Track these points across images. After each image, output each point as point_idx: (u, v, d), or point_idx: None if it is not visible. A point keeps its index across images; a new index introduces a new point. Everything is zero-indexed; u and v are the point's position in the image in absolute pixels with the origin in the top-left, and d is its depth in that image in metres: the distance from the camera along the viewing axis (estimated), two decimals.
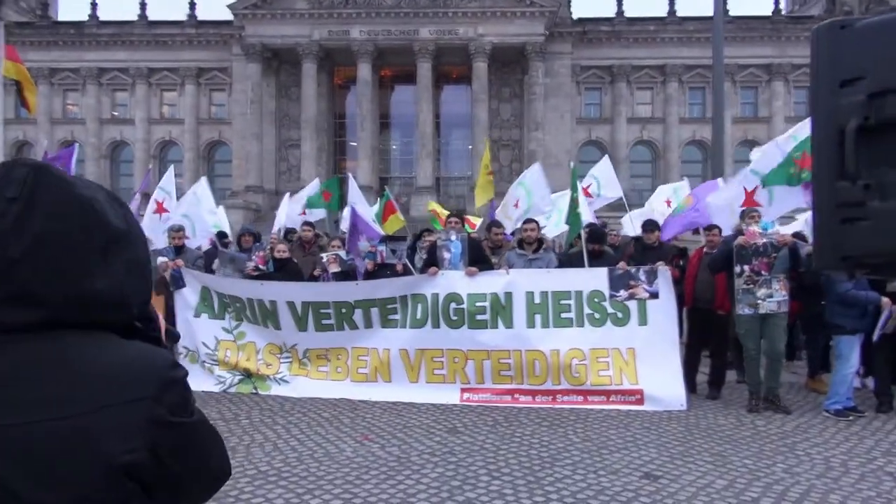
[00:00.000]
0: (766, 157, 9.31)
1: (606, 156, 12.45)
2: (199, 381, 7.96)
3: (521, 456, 5.54)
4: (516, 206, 11.79)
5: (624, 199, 12.20)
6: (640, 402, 7.30)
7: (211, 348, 8.04)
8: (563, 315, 7.68)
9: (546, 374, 7.58)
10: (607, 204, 13.31)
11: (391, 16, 39.17)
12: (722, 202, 9.50)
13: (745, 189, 9.11)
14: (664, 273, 7.60)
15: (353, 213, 9.11)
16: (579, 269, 7.98)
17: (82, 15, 44.51)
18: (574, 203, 9.02)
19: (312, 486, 4.84)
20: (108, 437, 0.98)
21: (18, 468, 0.96)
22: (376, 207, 12.71)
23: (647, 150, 43.08)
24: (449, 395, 7.55)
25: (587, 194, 11.18)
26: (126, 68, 43.47)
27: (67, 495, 0.97)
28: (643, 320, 7.59)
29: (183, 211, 9.40)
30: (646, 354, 7.51)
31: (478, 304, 7.68)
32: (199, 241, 9.30)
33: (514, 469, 5.22)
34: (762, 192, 8.92)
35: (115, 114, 44.60)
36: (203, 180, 12.67)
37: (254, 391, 7.84)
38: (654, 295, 7.60)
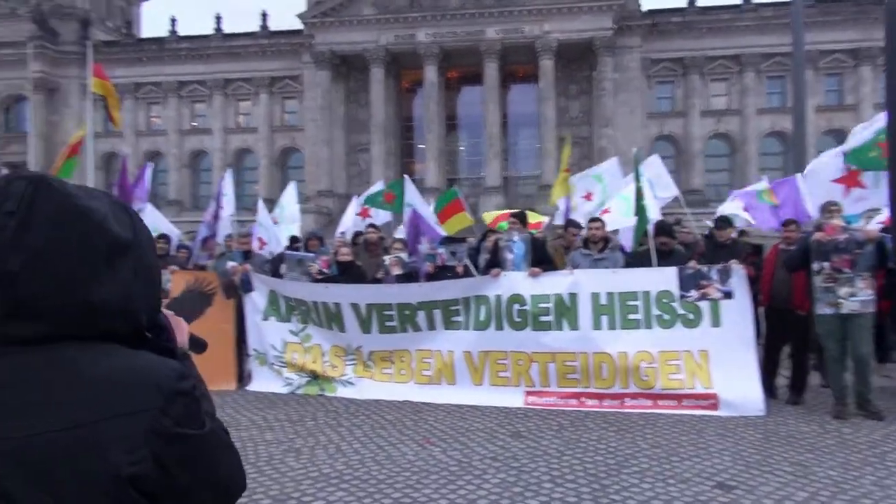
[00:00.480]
0: (853, 137, 8.91)
1: (655, 155, 11.77)
2: (268, 383, 8.17)
3: (586, 462, 5.38)
4: (588, 198, 11.50)
5: (681, 199, 11.57)
6: (715, 406, 6.98)
7: (279, 350, 8.21)
8: (631, 316, 7.45)
9: (614, 377, 7.37)
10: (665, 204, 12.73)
11: (456, 17, 39.26)
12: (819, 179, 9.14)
13: (847, 168, 8.73)
14: (738, 271, 7.25)
15: (414, 215, 9.10)
16: (647, 268, 7.71)
17: (163, 31, 46.67)
18: (639, 194, 8.63)
19: (373, 490, 4.83)
20: (111, 449, 0.97)
21: (21, 480, 0.96)
22: (432, 206, 12.72)
23: (723, 143, 41.55)
24: (513, 398, 7.44)
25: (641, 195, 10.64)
26: (204, 80, 45.28)
27: None
28: (716, 321, 7.28)
29: (259, 219, 9.66)
30: (720, 357, 7.19)
31: (541, 305, 7.54)
32: (272, 247, 9.52)
33: (578, 476, 5.07)
34: (868, 174, 8.46)
35: (195, 124, 46.52)
36: (291, 185, 13.12)
37: (320, 393, 7.95)
38: (728, 295, 7.26)
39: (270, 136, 44.93)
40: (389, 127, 41.76)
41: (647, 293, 7.41)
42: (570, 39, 38.60)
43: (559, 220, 11.89)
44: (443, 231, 9.27)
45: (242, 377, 8.45)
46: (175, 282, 8.27)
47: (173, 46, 45.54)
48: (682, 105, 41.06)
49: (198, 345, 1.42)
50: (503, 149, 41.29)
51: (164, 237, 9.20)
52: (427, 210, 9.63)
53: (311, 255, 8.61)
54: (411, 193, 9.86)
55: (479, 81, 40.21)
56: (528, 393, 7.51)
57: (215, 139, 45.19)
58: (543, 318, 7.53)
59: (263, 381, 8.23)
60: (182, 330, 1.32)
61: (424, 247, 9.09)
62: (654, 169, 10.61)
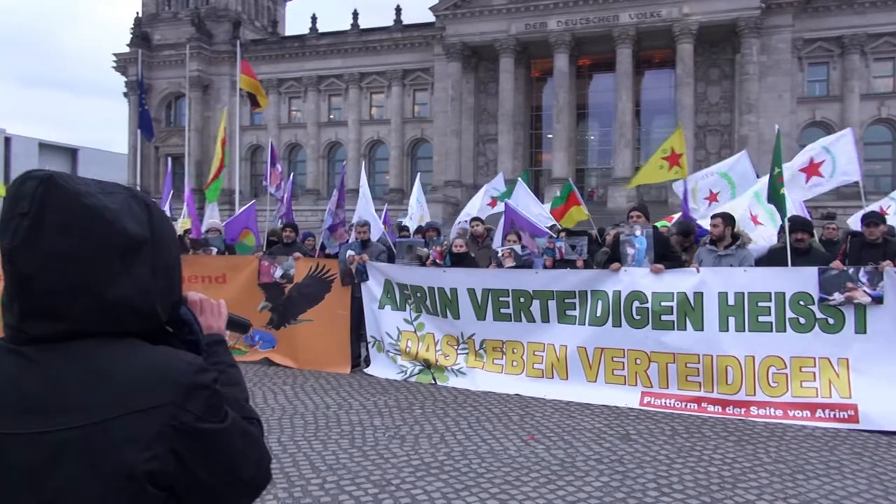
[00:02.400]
0: None
1: (850, 129, 10.02)
2: (384, 370, 8.38)
3: (698, 472, 5.05)
4: (713, 199, 10.75)
5: (861, 187, 10.09)
6: (854, 419, 6.34)
7: (394, 338, 8.39)
8: (762, 319, 6.91)
9: (739, 382, 6.88)
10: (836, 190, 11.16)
11: (588, 3, 38.17)
12: None
13: None
14: (891, 274, 6.51)
15: (508, 210, 8.92)
16: (782, 268, 7.10)
17: (305, 29, 49.15)
18: (776, 181, 7.66)
19: (471, 483, 4.81)
20: (129, 445, 0.98)
21: (42, 476, 0.97)
22: (548, 203, 12.45)
23: (886, 129, 37.56)
24: (628, 398, 7.14)
25: (817, 173, 9.05)
26: (341, 74, 47.23)
27: None
28: (861, 328, 6.59)
29: (364, 209, 9.92)
30: (863, 366, 6.51)
31: (664, 303, 7.17)
32: (374, 237, 9.77)
33: (688, 486, 4.77)
34: None
35: (332, 117, 48.70)
36: (417, 180, 13.48)
37: (432, 382, 8.04)
38: (878, 300, 6.54)
39: (401, 128, 46.09)
40: (517, 117, 41.48)
41: (781, 294, 6.84)
42: (712, 21, 36.35)
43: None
44: (545, 228, 9.03)
45: (358, 361, 8.71)
46: (298, 268, 8.67)
47: (313, 43, 47.80)
48: (839, 88, 37.50)
49: (240, 325, 1.45)
50: (635, 138, 39.75)
51: (291, 226, 9.66)
52: (532, 204, 9.39)
53: (420, 240, 8.70)
54: (517, 189, 9.68)
55: (611, 69, 38.91)
56: (645, 393, 7.18)
57: (350, 131, 47.04)
58: (665, 317, 7.16)
59: (380, 367, 8.45)
60: (217, 314, 1.33)
61: (543, 241, 8.94)
62: (844, 147, 8.95)
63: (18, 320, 1.02)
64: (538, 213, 9.83)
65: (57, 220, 1.00)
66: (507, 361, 7.82)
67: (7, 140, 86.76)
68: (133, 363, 1.02)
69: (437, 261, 8.21)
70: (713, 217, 7.85)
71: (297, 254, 8.83)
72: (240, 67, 29.63)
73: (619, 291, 7.31)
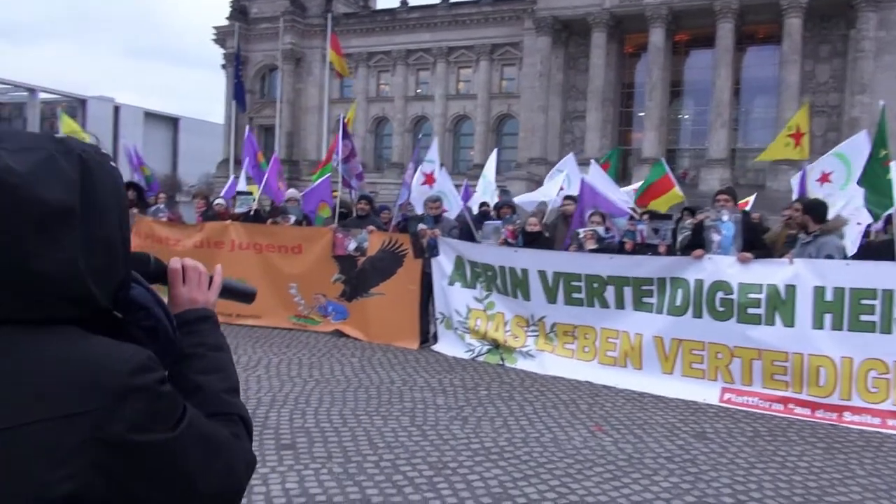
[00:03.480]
0: None
1: None
2: (452, 347, 8.26)
3: (779, 480, 4.65)
4: (825, 179, 9.95)
5: None
6: None
7: (463, 316, 8.24)
8: (864, 317, 6.31)
9: (833, 384, 6.33)
10: None
11: None
12: None
13: None
14: None
15: (585, 189, 8.50)
16: (890, 262, 6.45)
17: (396, 3, 49.24)
18: (880, 164, 6.95)
19: (530, 473, 4.61)
20: (41, 460, 0.80)
21: None
22: (636, 184, 11.86)
23: None
24: (707, 393, 6.72)
25: None
26: (429, 48, 47.16)
27: None
28: None
29: (440, 185, 9.78)
30: None
31: (751, 295, 6.67)
32: (453, 213, 9.60)
33: (766, 494, 4.40)
34: None
35: (419, 91, 48.81)
36: (492, 155, 13.12)
37: (500, 362, 7.85)
38: None
39: (488, 103, 45.65)
40: (607, 94, 40.21)
41: (889, 292, 6.21)
42: None
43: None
44: (626, 208, 8.58)
45: (426, 337, 8.63)
46: (372, 241, 8.64)
47: (403, 16, 47.89)
48: None
49: (241, 294, 1.28)
50: (732, 118, 37.75)
51: (365, 198, 9.64)
52: (608, 184, 8.93)
53: (502, 222, 8.49)
54: (592, 169, 9.23)
55: (709, 44, 36.96)
56: (726, 390, 6.74)
57: (436, 105, 47.02)
58: (752, 311, 6.66)
59: (447, 345, 8.34)
60: (203, 284, 1.15)
61: (623, 222, 8.54)
62: None
63: None
64: (616, 198, 9.34)
65: None
66: (579, 347, 7.53)
67: (116, 109, 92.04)
68: (56, 359, 0.85)
69: (510, 240, 7.97)
70: (794, 202, 7.24)
71: (371, 227, 8.80)
72: (329, 41, 30.07)
73: (702, 280, 6.86)
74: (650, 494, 4.35)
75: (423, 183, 9.78)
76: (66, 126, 11.74)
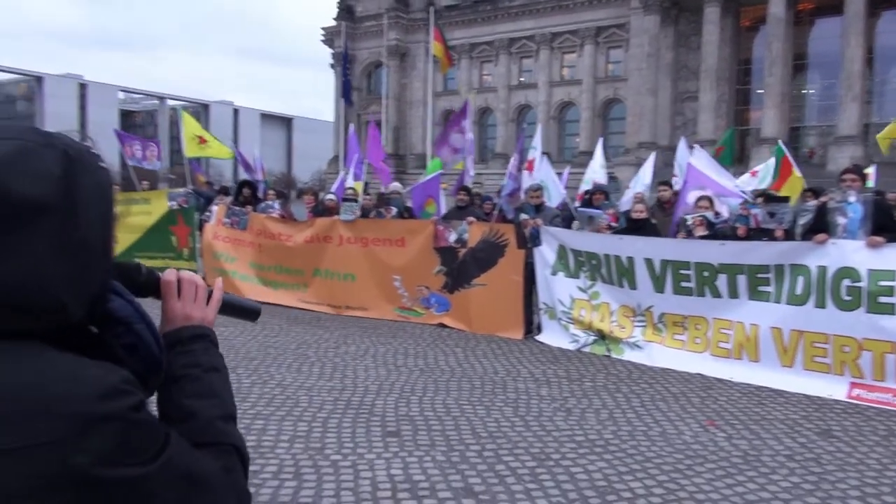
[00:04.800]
0: None
1: None
2: (556, 337, 8.16)
3: None
4: None
5: None
6: None
7: (566, 306, 8.11)
8: None
9: None
10: None
11: None
12: None
13: None
14: None
15: (692, 172, 8.05)
16: None
17: None
18: None
19: (637, 468, 4.48)
20: None
21: None
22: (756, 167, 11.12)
23: None
24: (833, 389, 6.25)
25: None
26: (532, 35, 46.62)
27: None
28: None
29: (542, 174, 9.60)
30: None
31: (882, 283, 6.14)
32: (553, 203, 9.43)
33: None
34: None
35: (522, 79, 48.40)
36: (599, 143, 12.80)
37: (606, 353, 7.67)
38: None
39: (593, 88, 44.58)
40: (722, 72, 38.12)
41: None
42: None
43: None
44: (738, 191, 8.08)
45: (531, 328, 8.57)
46: (472, 233, 8.66)
47: (506, 5, 47.55)
48: None
49: (245, 312, 1.17)
50: (865, 90, 34.73)
51: (464, 189, 9.67)
52: (716, 169, 8.44)
53: (599, 211, 8.26)
54: (697, 154, 8.74)
55: (837, 11, 34.17)
56: (855, 385, 6.24)
57: (540, 93, 46.45)
58: (884, 299, 6.13)
59: (551, 335, 8.24)
60: (200, 300, 1.05)
61: (734, 203, 8.10)
62: None
63: None
64: (725, 181, 8.81)
65: None
66: (690, 338, 7.21)
67: (235, 112, 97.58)
68: (11, 379, 0.74)
69: (612, 223, 7.74)
70: None
71: (471, 218, 8.82)
72: (432, 34, 30.39)
73: (825, 267, 6.38)
74: (767, 494, 4.11)
75: (525, 169, 9.66)
76: (189, 127, 12.51)
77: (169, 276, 1.05)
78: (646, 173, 11.23)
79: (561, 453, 4.70)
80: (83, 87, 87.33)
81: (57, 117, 71.48)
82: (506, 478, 4.26)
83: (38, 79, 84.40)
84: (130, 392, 0.79)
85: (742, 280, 6.86)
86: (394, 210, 9.82)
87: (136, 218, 11.87)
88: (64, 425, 0.72)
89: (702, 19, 37.47)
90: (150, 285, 1.04)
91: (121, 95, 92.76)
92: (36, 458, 0.71)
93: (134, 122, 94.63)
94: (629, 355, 7.50)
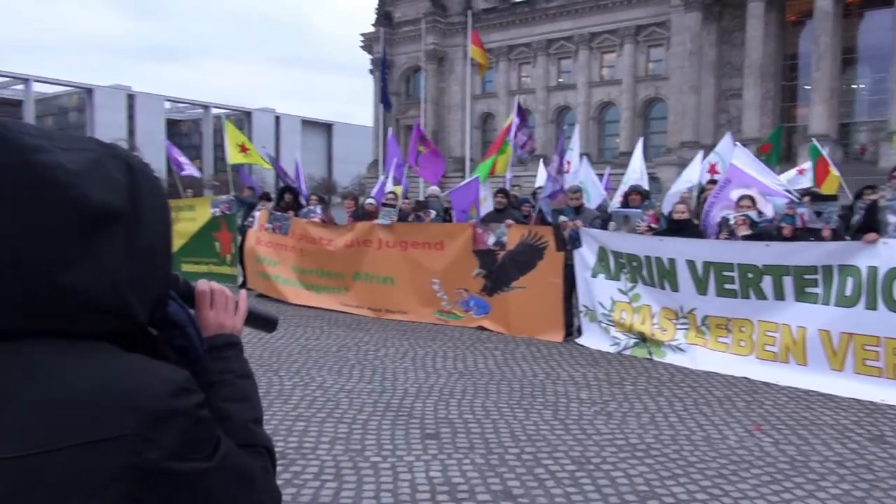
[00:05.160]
0: None
1: None
2: (596, 340, 8.07)
3: None
4: None
5: None
6: None
7: (607, 309, 8.02)
8: None
9: None
10: None
11: None
12: None
13: None
14: None
15: (734, 171, 7.86)
16: None
17: None
18: None
19: (679, 472, 4.41)
20: (69, 490, 0.74)
21: None
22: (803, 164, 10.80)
23: None
24: (885, 393, 6.04)
25: None
26: (570, 36, 46.32)
27: None
28: None
29: (582, 176, 9.53)
30: None
31: None
32: (592, 204, 9.33)
33: None
34: None
35: (560, 80, 48.10)
36: (639, 143, 12.60)
37: (648, 356, 7.56)
38: None
39: (633, 88, 44.05)
40: (767, 68, 37.27)
41: None
42: None
43: None
44: (783, 191, 7.87)
45: (571, 331, 8.50)
46: (511, 235, 8.64)
47: (543, 6, 47.36)
48: None
49: (265, 322, 1.21)
50: None
51: (503, 191, 9.64)
52: (759, 167, 8.25)
53: (637, 210, 8.16)
54: (737, 153, 8.54)
55: (887, 3, 33.07)
56: None
57: (579, 94, 46.10)
58: None
59: (592, 338, 8.16)
60: (231, 309, 1.09)
61: (781, 204, 7.91)
62: None
63: None
64: (769, 180, 8.58)
65: None
66: (734, 340, 7.06)
67: (277, 119, 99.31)
68: (89, 377, 0.78)
69: (652, 224, 7.63)
70: None
71: (509, 220, 8.80)
72: (470, 37, 30.43)
73: (876, 268, 6.17)
74: (816, 501, 4.00)
75: (565, 171, 9.59)
76: (231, 135, 12.80)
77: (203, 286, 1.08)
78: (692, 172, 10.99)
79: (601, 457, 4.66)
80: (131, 97, 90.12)
81: (107, 127, 73.91)
82: (545, 481, 4.24)
83: (89, 90, 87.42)
84: (195, 390, 0.84)
85: (788, 281, 6.69)
86: (432, 213, 9.85)
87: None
88: (139, 420, 0.77)
89: (745, 14, 36.71)
90: (185, 294, 1.08)
91: (167, 105, 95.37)
92: (113, 450, 0.76)
93: (180, 131, 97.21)
94: (671, 358, 7.38)
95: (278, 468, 3.62)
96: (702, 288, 7.26)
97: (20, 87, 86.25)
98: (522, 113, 10.47)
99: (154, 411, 0.78)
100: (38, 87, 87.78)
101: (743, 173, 7.82)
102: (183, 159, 13.85)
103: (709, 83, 39.48)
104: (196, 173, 13.80)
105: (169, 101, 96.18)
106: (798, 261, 6.64)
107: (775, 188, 8.14)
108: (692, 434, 5.14)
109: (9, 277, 0.77)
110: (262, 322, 1.20)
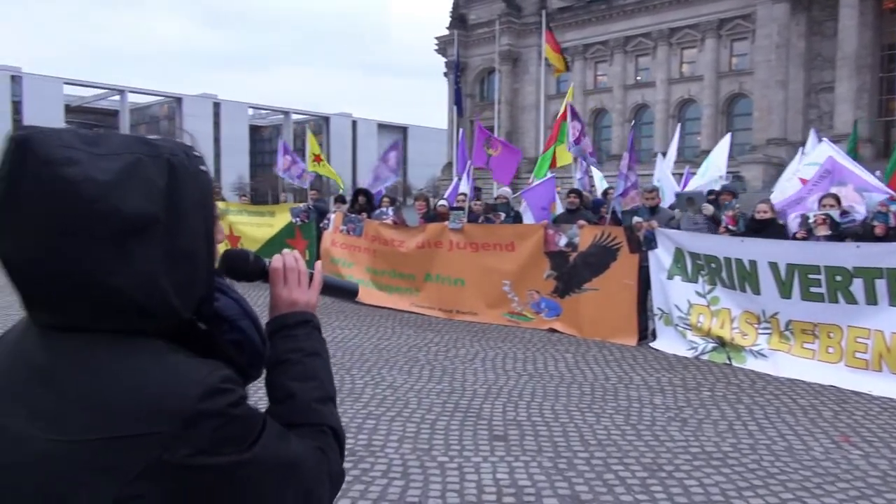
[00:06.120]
0: None
1: None
2: (672, 344, 7.83)
3: None
4: None
5: None
6: None
7: (684, 312, 7.76)
8: None
9: None
10: None
11: None
12: None
13: None
14: None
15: (832, 163, 7.42)
16: None
17: None
18: None
19: (758, 483, 4.21)
20: (104, 478, 0.79)
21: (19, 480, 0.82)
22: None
23: None
24: None
25: None
26: (649, 33, 45.23)
27: None
28: None
29: (658, 175, 9.26)
30: None
31: None
32: (665, 203, 9.04)
33: None
34: None
35: (638, 78, 47.03)
36: (726, 138, 12.12)
37: (727, 362, 7.26)
38: None
39: (715, 83, 42.56)
40: (862, 59, 35.24)
41: None
42: None
43: None
44: (883, 187, 7.39)
45: (645, 334, 8.28)
46: (583, 236, 8.49)
47: (620, 3, 46.46)
48: None
49: (343, 291, 1.24)
50: None
51: (575, 191, 9.49)
52: (851, 162, 7.77)
53: (699, 192, 7.87)
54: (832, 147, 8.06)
55: None
56: None
57: (657, 91, 44.95)
58: None
59: (667, 342, 7.92)
60: (304, 284, 1.11)
61: (874, 202, 7.46)
62: None
63: (24, 305, 0.88)
64: (866, 176, 8.07)
65: (28, 196, 0.81)
66: (822, 347, 6.69)
67: (353, 123, 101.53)
68: (130, 376, 0.83)
69: (730, 226, 7.32)
70: None
71: (582, 221, 8.65)
72: (544, 37, 30.24)
73: None
74: None
75: (634, 167, 9.33)
76: (311, 145, 13.26)
77: (276, 263, 1.11)
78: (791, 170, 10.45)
79: (674, 465, 4.50)
80: (217, 105, 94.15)
81: (194, 135, 77.21)
82: (614, 487, 4.14)
83: (178, 100, 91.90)
84: (229, 390, 0.86)
85: (881, 285, 6.28)
86: (502, 215, 9.81)
87: (259, 230, 12.63)
88: (167, 420, 0.80)
89: (838, 4, 34.88)
90: (258, 271, 1.11)
91: (249, 112, 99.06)
92: (143, 445, 0.79)
93: (262, 137, 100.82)
94: (752, 364, 7.07)
95: (346, 464, 3.68)
96: (786, 291, 6.92)
97: (116, 97, 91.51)
98: (574, 111, 10.44)
99: (182, 413, 0.81)
100: (132, 98, 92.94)
101: (842, 167, 7.42)
102: (296, 168, 13.32)
103: (797, 77, 37.71)
104: (304, 185, 13.65)
105: (251, 108, 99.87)
106: (893, 262, 6.23)
107: (875, 184, 7.70)
108: (773, 444, 4.90)
109: (51, 284, 0.82)
110: (339, 292, 1.22)
